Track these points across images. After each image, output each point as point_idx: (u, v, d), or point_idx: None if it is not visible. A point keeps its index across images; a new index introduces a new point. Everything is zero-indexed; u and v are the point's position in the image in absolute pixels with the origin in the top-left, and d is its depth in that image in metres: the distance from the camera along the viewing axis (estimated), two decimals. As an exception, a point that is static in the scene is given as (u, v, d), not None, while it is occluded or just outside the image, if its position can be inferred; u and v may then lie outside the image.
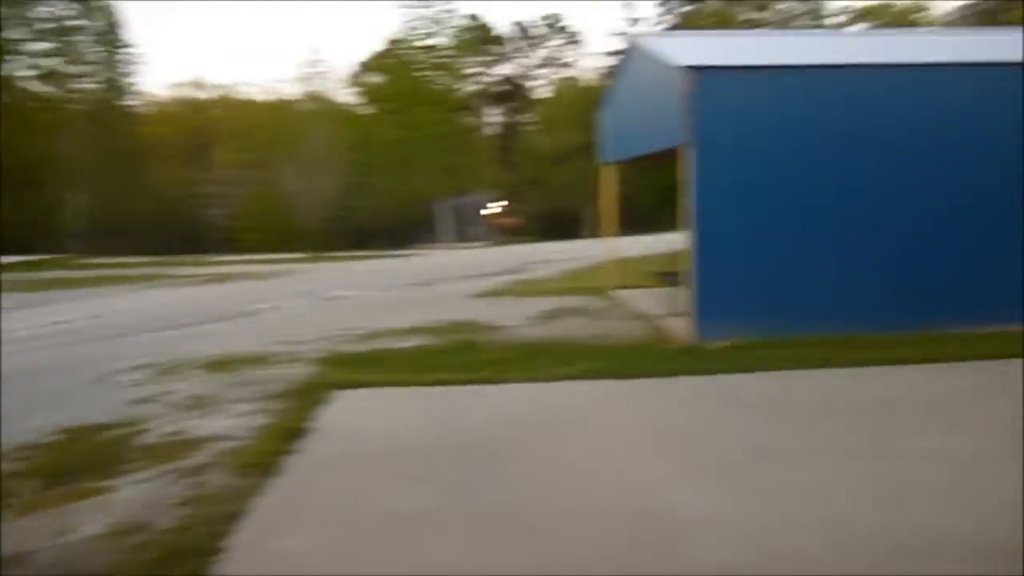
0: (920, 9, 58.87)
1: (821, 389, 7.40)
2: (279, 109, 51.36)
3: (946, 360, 8.18)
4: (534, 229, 53.78)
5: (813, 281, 9.54)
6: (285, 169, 40.64)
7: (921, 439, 5.78)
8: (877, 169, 9.59)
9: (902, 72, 9.72)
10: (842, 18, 59.76)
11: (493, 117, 70.19)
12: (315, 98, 51.20)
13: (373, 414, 7.07)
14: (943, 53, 10.89)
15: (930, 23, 55.95)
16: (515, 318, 12.11)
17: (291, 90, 53.66)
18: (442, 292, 17.15)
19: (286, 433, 6.31)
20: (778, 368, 8.09)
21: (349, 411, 7.17)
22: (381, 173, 49.49)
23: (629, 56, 13.06)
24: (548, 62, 72.06)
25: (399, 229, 50.36)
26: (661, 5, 64.24)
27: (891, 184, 9.62)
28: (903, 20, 54.82)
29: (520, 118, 67.84)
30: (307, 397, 7.50)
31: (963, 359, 8.20)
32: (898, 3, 57.64)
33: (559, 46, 71.93)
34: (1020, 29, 11.49)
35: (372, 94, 53.99)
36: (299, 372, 8.74)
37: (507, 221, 53.93)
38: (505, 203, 54.24)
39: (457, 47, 53.97)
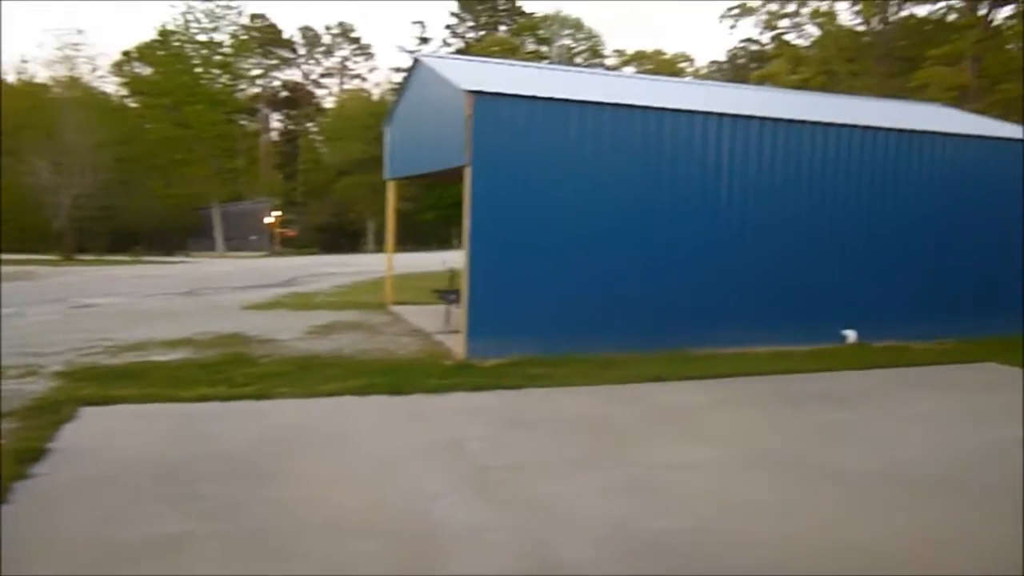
0: (686, 59, 66.48)
1: (581, 404, 7.89)
2: (28, 92, 46.13)
3: (698, 378, 9.08)
4: (315, 241, 52.57)
5: (579, 303, 10.15)
6: (33, 160, 36.57)
7: (666, 450, 6.35)
8: (638, 199, 10.45)
9: (659, 113, 10.63)
10: (617, 59, 65.06)
11: (276, 123, 67.90)
12: (73, 84, 46.56)
13: (125, 433, 6.55)
14: (692, 101, 12.04)
15: (695, 72, 63.01)
16: (288, 331, 11.76)
17: (44, 72, 48.52)
18: (212, 302, 16.24)
19: (18, 455, 5.68)
20: (544, 385, 8.58)
21: (98, 430, 6.59)
22: (149, 172, 45.92)
23: (415, 74, 13.19)
24: (337, 71, 71.03)
25: (168, 234, 47.06)
26: (450, 28, 65.85)
27: (650, 212, 10.51)
28: (670, 67, 61.23)
29: (305, 126, 66.17)
30: (47, 415, 6.81)
31: (721, 375, 9.23)
32: (667, 53, 65.15)
33: (349, 56, 71.21)
34: (753, 86, 12.99)
35: (140, 86, 49.98)
36: (39, 387, 7.91)
37: (283, 231, 52.34)
38: (280, 213, 52.61)
39: (238, 46, 51.32)
